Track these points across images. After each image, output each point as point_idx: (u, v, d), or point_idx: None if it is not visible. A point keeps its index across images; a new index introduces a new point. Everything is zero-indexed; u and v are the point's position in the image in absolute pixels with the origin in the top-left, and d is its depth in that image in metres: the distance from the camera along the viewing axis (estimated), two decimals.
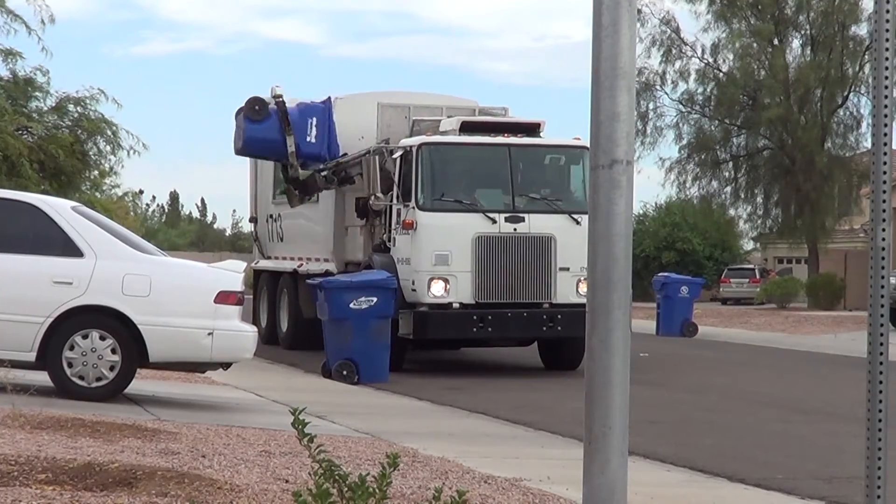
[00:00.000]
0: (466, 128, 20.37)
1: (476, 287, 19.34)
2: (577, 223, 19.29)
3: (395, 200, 20.14)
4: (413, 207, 19.56)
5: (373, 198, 20.49)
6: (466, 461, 9.81)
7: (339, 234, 22.40)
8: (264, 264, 26.04)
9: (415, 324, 19.22)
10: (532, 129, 20.81)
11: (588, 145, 21.46)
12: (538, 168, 20.58)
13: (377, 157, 20.66)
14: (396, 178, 20.09)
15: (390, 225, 20.36)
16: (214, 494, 7.00)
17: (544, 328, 19.54)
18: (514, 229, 19.51)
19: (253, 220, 26.95)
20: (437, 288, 19.23)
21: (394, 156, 20.32)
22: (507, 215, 19.58)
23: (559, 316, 19.36)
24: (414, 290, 19.36)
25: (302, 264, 23.51)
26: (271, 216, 25.87)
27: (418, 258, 19.39)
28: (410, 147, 19.95)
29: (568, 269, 19.38)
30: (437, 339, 20.11)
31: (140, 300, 12.40)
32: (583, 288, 18.45)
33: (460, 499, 4.71)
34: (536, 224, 19.59)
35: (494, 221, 19.48)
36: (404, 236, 19.75)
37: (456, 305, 19.29)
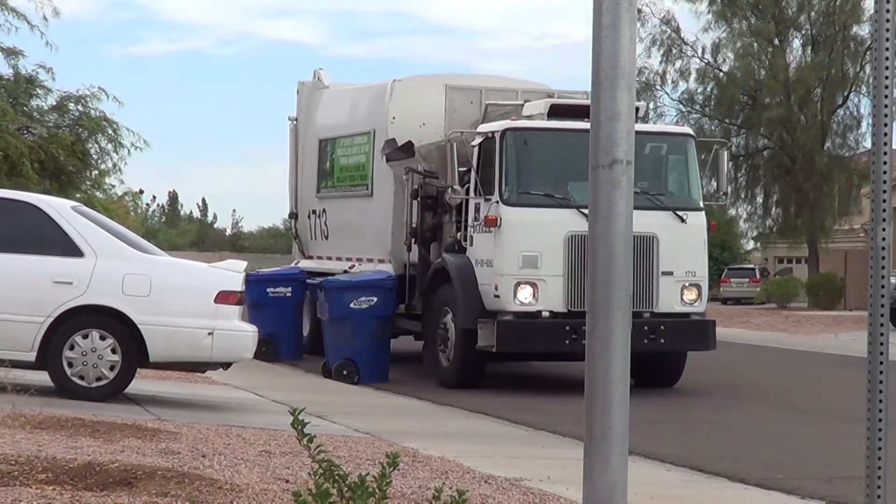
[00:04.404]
0: (554, 112, 17.88)
1: (568, 293, 16.84)
2: (683, 221, 17.41)
3: (472, 194, 17.65)
4: (496, 202, 17.16)
5: (449, 191, 17.77)
6: (466, 461, 9.81)
7: (398, 231, 19.85)
8: (305, 265, 23.23)
9: (499, 335, 16.76)
10: None
11: (692, 133, 19.83)
12: (637, 158, 18.70)
13: (455, 145, 17.85)
14: (475, 169, 17.66)
15: (466, 222, 17.93)
16: (214, 494, 7.00)
17: (645, 340, 16.89)
18: None
19: (293, 215, 24.33)
20: (525, 294, 16.86)
21: (472, 143, 17.83)
22: None
23: (662, 327, 17.12)
24: (497, 296, 16.98)
25: (353, 265, 21.05)
26: (314, 211, 23.31)
27: (502, 260, 17.02)
28: (493, 133, 17.50)
29: (671, 273, 17.20)
30: (523, 353, 17.80)
31: (140, 300, 12.40)
32: (688, 295, 17.28)
33: (460, 498, 4.71)
34: (637, 222, 17.76)
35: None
36: (485, 235, 17.36)
37: (545, 314, 16.86)
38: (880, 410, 5.33)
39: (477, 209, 17.55)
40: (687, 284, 17.28)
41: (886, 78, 5.28)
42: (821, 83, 50.88)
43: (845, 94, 51.52)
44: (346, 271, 20.74)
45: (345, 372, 17.82)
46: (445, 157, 17.88)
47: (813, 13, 51.55)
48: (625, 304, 4.41)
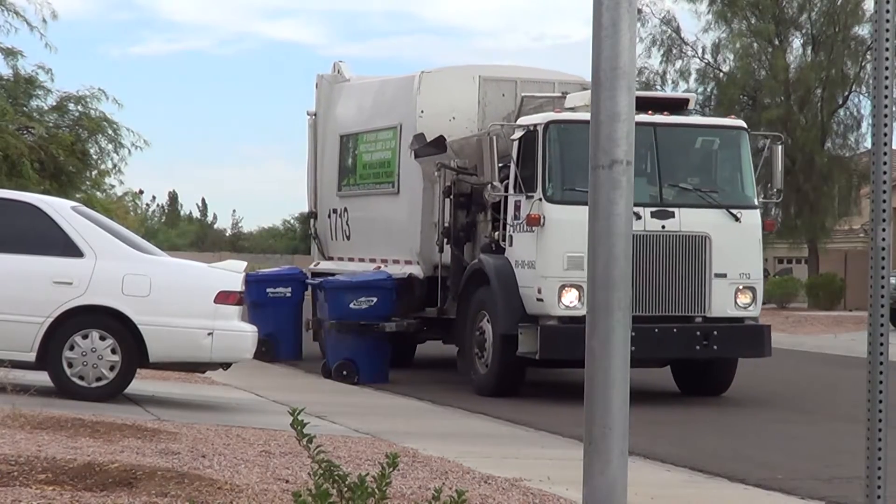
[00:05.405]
0: None
1: None
2: (737, 220, 16.56)
3: (512, 191, 16.63)
4: (539, 199, 16.15)
5: (488, 187, 16.73)
6: (466, 461, 9.81)
7: (427, 231, 18.94)
8: (326, 266, 22.11)
9: (542, 341, 15.85)
10: (679, 105, 17.63)
11: (745, 126, 18.56)
12: (689, 152, 17.27)
13: (494, 139, 16.80)
14: (515, 164, 16.57)
15: (505, 220, 16.95)
16: (214, 494, 7.01)
17: (697, 347, 16.20)
18: (662, 227, 16.16)
19: (312, 215, 23.27)
20: (570, 297, 15.87)
21: (512, 137, 16.82)
22: (653, 209, 16.11)
23: (715, 332, 16.22)
24: (540, 299, 16.03)
25: (379, 267, 19.99)
26: (335, 210, 22.14)
27: (546, 261, 16.04)
28: (535, 126, 16.44)
29: (725, 275, 16.29)
30: (568, 360, 16.47)
31: (140, 300, 12.40)
32: (742, 298, 16.44)
33: (459, 499, 4.71)
34: (688, 220, 16.35)
35: (639, 217, 15.63)
36: (526, 234, 16.37)
37: None
38: (880, 410, 5.33)
39: (517, 207, 16.58)
40: (741, 287, 16.44)
41: (886, 78, 5.28)
42: (821, 83, 50.87)
43: (845, 94, 51.50)
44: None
45: (345, 372, 17.81)
46: (481, 152, 16.99)
47: (813, 13, 51.53)
48: (625, 304, 4.41)
